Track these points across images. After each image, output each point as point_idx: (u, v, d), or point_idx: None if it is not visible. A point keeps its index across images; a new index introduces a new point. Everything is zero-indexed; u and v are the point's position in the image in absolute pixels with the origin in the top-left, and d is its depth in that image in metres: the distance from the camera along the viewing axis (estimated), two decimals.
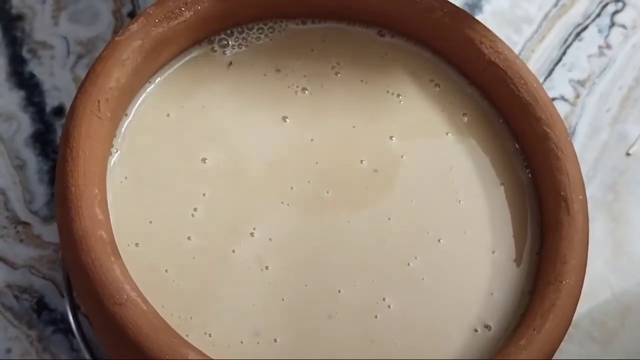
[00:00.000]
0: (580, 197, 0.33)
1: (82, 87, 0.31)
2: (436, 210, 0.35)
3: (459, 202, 0.35)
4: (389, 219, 0.34)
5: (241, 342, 0.31)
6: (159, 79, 0.35)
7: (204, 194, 0.33)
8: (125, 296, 0.28)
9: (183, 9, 0.34)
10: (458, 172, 0.36)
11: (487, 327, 0.33)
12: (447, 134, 0.37)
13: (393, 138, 0.36)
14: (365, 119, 0.36)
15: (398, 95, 0.37)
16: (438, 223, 0.35)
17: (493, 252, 0.34)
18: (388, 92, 0.37)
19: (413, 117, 0.37)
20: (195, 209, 0.33)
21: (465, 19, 0.36)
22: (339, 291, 0.32)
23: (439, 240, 0.34)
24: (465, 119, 0.37)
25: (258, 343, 0.31)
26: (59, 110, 0.42)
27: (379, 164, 0.35)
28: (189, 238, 0.32)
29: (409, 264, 0.33)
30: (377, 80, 0.37)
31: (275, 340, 0.31)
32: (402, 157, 0.36)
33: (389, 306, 0.32)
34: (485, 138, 0.37)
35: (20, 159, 0.41)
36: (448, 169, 0.36)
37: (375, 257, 0.33)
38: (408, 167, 0.35)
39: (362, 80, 0.37)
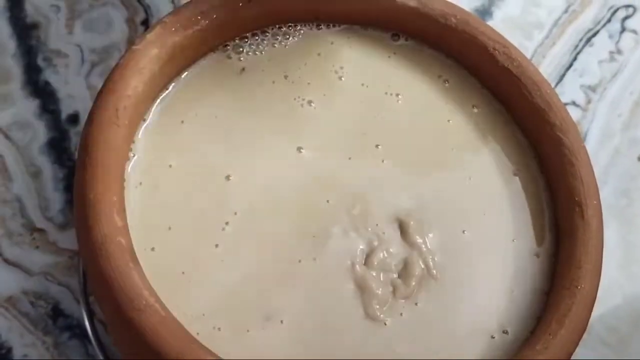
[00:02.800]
0: (595, 202, 0.33)
1: (100, 95, 0.32)
2: (451, 193, 0.35)
3: (469, 179, 0.36)
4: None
5: (247, 331, 0.31)
6: (175, 84, 0.35)
7: (235, 213, 0.33)
8: (144, 302, 0.28)
9: (199, 17, 0.34)
10: (462, 154, 0.36)
11: (505, 332, 0.33)
12: (448, 120, 0.37)
13: (380, 145, 0.36)
14: (360, 126, 0.36)
15: (397, 95, 0.37)
16: (457, 207, 0.35)
17: (514, 240, 0.35)
18: (387, 93, 0.37)
19: (410, 112, 0.37)
20: (226, 223, 0.33)
21: (479, 25, 0.36)
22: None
23: (462, 230, 0.35)
24: (476, 110, 0.37)
25: (264, 328, 0.31)
26: (74, 118, 0.43)
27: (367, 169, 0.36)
28: (216, 245, 0.32)
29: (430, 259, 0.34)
30: (378, 82, 0.37)
31: (281, 322, 0.31)
32: (383, 161, 0.36)
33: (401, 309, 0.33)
34: (496, 131, 0.37)
35: (35, 167, 0.42)
36: (450, 149, 0.36)
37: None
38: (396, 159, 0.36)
39: (363, 84, 0.37)
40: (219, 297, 0.32)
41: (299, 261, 0.33)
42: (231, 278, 0.32)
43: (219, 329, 0.31)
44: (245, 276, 0.32)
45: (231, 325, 0.31)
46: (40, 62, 0.44)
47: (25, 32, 0.44)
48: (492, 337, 0.33)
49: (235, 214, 0.33)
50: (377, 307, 0.32)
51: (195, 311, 0.31)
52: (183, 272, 0.32)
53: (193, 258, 0.32)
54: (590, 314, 0.32)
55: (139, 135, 0.34)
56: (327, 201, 0.34)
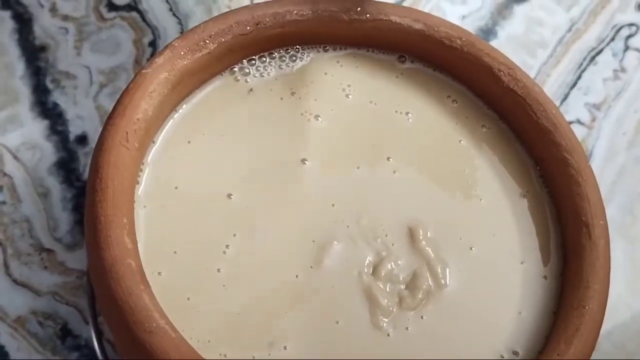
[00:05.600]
0: (601, 222, 0.34)
1: (111, 119, 0.32)
2: (461, 213, 0.36)
3: (480, 200, 0.36)
4: (426, 231, 0.35)
5: (253, 358, 0.31)
6: (184, 106, 0.36)
7: (234, 235, 0.33)
8: (154, 324, 0.28)
9: (207, 41, 0.34)
10: (473, 174, 0.37)
11: (515, 353, 0.33)
12: (460, 141, 0.37)
13: (391, 158, 0.36)
14: (369, 139, 0.37)
15: (407, 114, 0.38)
16: (466, 227, 0.35)
17: (522, 263, 0.35)
18: (396, 111, 0.38)
19: (421, 131, 0.37)
20: (227, 246, 0.33)
21: (484, 47, 0.37)
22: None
23: (471, 249, 0.35)
24: (484, 130, 0.38)
25: (269, 354, 0.31)
26: (82, 139, 0.43)
27: (381, 180, 0.36)
28: (218, 270, 0.33)
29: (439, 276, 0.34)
30: (386, 101, 0.38)
31: (284, 348, 0.32)
32: (395, 172, 0.36)
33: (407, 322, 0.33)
34: (504, 151, 0.37)
35: (44, 187, 0.42)
36: (461, 170, 0.37)
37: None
38: (410, 179, 0.36)
39: (371, 102, 0.38)
40: (223, 323, 0.32)
41: (303, 275, 0.33)
42: (234, 303, 0.32)
43: (225, 355, 0.31)
44: (247, 301, 0.32)
45: (237, 352, 0.31)
46: (48, 83, 0.44)
47: (34, 53, 0.45)
48: (502, 357, 0.33)
49: (235, 235, 0.33)
50: (382, 317, 0.33)
51: (202, 337, 0.31)
52: (188, 298, 0.32)
53: (197, 283, 0.32)
54: (598, 334, 0.32)
55: (148, 158, 0.34)
56: (334, 212, 0.35)
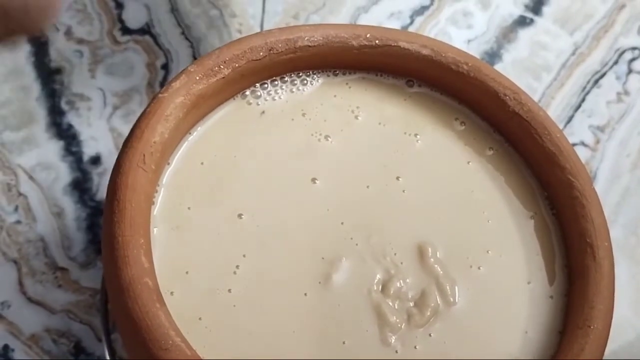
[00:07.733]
0: (606, 243, 0.34)
1: (128, 142, 0.33)
2: (469, 233, 0.36)
3: (488, 221, 0.36)
4: (434, 249, 0.35)
5: None
6: (198, 129, 0.37)
7: (244, 255, 0.34)
8: (170, 342, 0.28)
9: (222, 66, 0.35)
10: (481, 195, 0.37)
11: None
12: (468, 162, 0.38)
13: (400, 178, 0.37)
14: (379, 159, 0.37)
15: (415, 135, 0.38)
16: (474, 247, 0.36)
17: (529, 283, 0.35)
18: (405, 133, 0.38)
19: (430, 152, 0.38)
20: (237, 266, 0.34)
21: (490, 72, 0.37)
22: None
23: (478, 268, 0.35)
24: (491, 152, 0.38)
25: None
26: (95, 160, 0.44)
27: (389, 197, 0.37)
28: (229, 290, 0.33)
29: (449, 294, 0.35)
30: (395, 123, 0.38)
31: None
32: (404, 191, 0.37)
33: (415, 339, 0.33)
34: (510, 174, 0.38)
35: (58, 207, 0.43)
36: (470, 191, 0.37)
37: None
38: (418, 198, 0.37)
39: (380, 123, 0.38)
40: (234, 342, 0.32)
41: (312, 293, 0.33)
42: (244, 323, 0.33)
43: None
44: (257, 320, 0.33)
45: None
46: (63, 105, 0.45)
47: (50, 76, 0.46)
48: None
49: (244, 256, 0.34)
50: (390, 334, 0.33)
51: (213, 357, 0.31)
52: (200, 318, 0.32)
53: (209, 303, 0.33)
54: (603, 353, 0.33)
55: (164, 179, 0.35)
56: (343, 230, 0.35)
